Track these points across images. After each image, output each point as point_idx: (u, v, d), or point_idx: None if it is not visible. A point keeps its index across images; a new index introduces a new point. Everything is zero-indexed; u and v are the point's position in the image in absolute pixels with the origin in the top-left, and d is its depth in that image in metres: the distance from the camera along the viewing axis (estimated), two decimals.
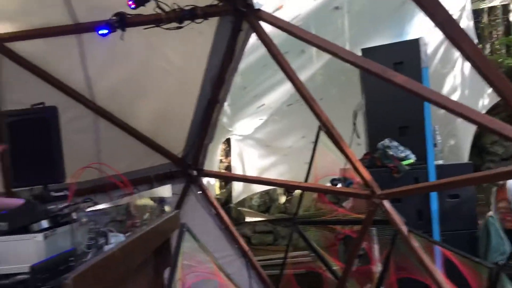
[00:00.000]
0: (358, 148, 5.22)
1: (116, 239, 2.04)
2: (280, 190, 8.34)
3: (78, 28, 3.63)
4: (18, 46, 3.89)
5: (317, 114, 3.59)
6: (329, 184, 4.76)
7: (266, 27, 3.58)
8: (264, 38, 3.45)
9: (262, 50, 4.37)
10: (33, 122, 3.27)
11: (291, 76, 3.53)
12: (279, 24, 3.34)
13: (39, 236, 1.68)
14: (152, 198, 2.93)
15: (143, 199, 2.74)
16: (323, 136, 4.24)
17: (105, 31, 3.38)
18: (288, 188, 7.45)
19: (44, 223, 1.79)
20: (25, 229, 1.77)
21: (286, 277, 4.87)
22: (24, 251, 1.68)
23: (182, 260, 3.89)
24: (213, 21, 3.56)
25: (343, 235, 4.61)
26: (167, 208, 3.02)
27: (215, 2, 3.40)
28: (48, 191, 1.86)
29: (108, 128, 4.48)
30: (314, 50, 5.18)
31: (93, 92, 4.25)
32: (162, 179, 4.73)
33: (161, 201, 2.80)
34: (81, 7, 3.56)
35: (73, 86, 4.17)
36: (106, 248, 1.84)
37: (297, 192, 8.13)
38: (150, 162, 4.78)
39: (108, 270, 1.69)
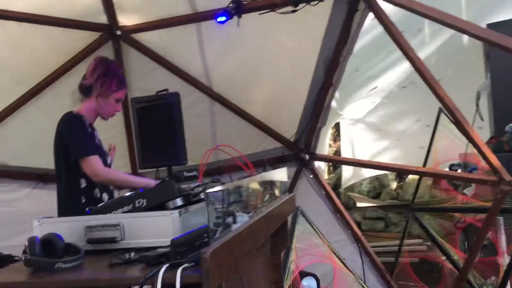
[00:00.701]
0: (480, 132, 4.86)
1: (241, 219, 2.11)
2: (391, 176, 8.06)
3: (198, 17, 3.79)
4: (143, 37, 4.16)
5: (439, 96, 3.39)
6: (447, 170, 4.50)
7: (383, 6, 3.44)
8: (382, 17, 3.32)
9: (376, 31, 4.24)
10: (158, 107, 3.51)
11: (410, 56, 3.36)
12: (399, 1, 3.19)
13: (175, 213, 1.80)
14: (267, 182, 2.99)
15: (261, 181, 2.79)
16: (443, 119, 4.01)
17: (223, 18, 3.48)
18: (406, 173, 7.14)
19: (179, 201, 1.91)
20: (161, 207, 1.91)
21: (401, 265, 4.71)
22: (161, 226, 1.81)
23: (295, 243, 3.94)
24: (329, 2, 3.51)
25: (465, 223, 4.33)
26: (277, 192, 3.06)
27: None
28: (181, 171, 1.97)
29: (223, 112, 4.65)
30: (430, 29, 4.91)
31: (210, 78, 4.43)
32: (274, 162, 4.81)
33: (280, 184, 2.85)
34: None
35: (191, 73, 4.38)
36: (234, 227, 1.91)
37: (410, 177, 7.81)
38: (263, 146, 4.88)
39: (237, 247, 1.75)
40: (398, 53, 4.42)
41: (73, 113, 2.64)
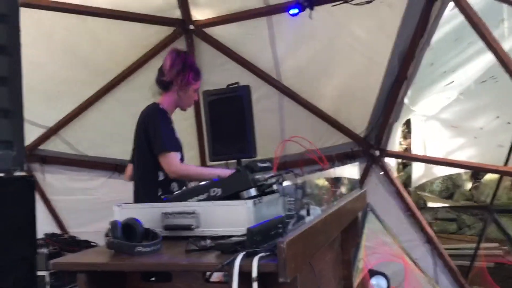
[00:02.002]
0: None
1: (314, 212, 2.08)
2: (465, 176, 7.70)
3: (269, 10, 3.78)
4: (215, 31, 4.21)
5: None
6: None
7: None
8: (464, 7, 3.14)
9: (454, 22, 4.03)
10: (229, 100, 3.53)
11: (494, 48, 3.16)
12: None
13: (250, 203, 1.80)
14: (339, 176, 2.93)
15: (334, 176, 2.75)
16: None
17: (296, 11, 3.46)
18: (485, 172, 6.75)
19: (253, 191, 1.91)
20: (235, 196, 1.92)
21: (476, 268, 4.48)
22: (236, 215, 1.82)
23: (365, 241, 3.85)
24: None
25: None
26: (349, 187, 3.00)
27: None
28: (255, 161, 1.97)
29: (292, 106, 4.62)
30: (511, 21, 4.61)
31: (279, 72, 4.41)
32: (343, 158, 4.72)
33: (352, 179, 2.78)
34: None
35: (261, 67, 4.39)
36: (307, 219, 1.88)
37: (486, 178, 7.41)
38: (332, 140, 4.80)
39: (311, 239, 1.73)
40: (478, 46, 4.21)
41: (158, 105, 2.69)
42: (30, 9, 3.54)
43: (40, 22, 3.71)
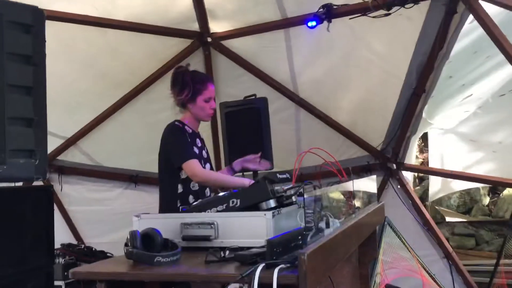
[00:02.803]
0: None
1: (333, 224, 2.06)
2: (483, 190, 7.57)
3: (287, 23, 3.79)
4: (232, 43, 4.24)
5: None
6: None
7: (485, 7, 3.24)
8: (484, 19, 3.12)
9: (474, 35, 4.00)
10: (246, 112, 3.54)
11: None
12: (505, 1, 2.98)
13: (269, 214, 1.79)
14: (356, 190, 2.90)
15: (351, 189, 2.72)
16: None
17: (314, 23, 3.46)
18: (505, 186, 6.65)
19: (272, 202, 1.90)
20: (254, 207, 1.91)
21: (496, 285, 4.39)
22: (255, 227, 1.81)
23: (382, 255, 3.80)
24: (424, 5, 3.37)
25: None
26: (367, 200, 2.96)
27: None
28: (274, 172, 1.97)
29: (308, 118, 4.62)
30: None
31: (296, 84, 4.42)
32: (359, 171, 4.68)
33: (370, 192, 2.75)
34: (290, 1, 3.72)
35: (278, 79, 4.40)
36: (326, 231, 1.86)
37: (505, 193, 7.29)
38: (348, 154, 4.77)
39: (331, 252, 1.71)
40: (497, 59, 4.17)
41: (175, 123, 2.81)
42: (51, 21, 3.60)
43: (60, 34, 3.77)
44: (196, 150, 2.79)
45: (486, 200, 7.60)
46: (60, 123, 4.53)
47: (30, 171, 1.59)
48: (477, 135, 5.83)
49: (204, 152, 2.90)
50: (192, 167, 2.64)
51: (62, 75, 4.07)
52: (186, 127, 2.81)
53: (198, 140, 2.88)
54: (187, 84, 2.77)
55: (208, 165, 2.91)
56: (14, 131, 1.58)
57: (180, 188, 2.72)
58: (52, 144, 4.78)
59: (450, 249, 4.48)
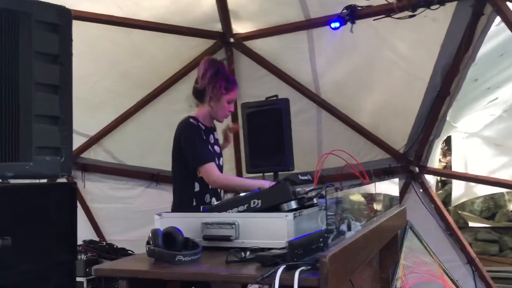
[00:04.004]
0: None
1: (354, 227, 2.04)
2: (508, 196, 7.42)
3: (310, 24, 3.78)
4: (255, 44, 4.25)
5: None
6: None
7: None
8: (511, 22, 3.06)
9: (500, 37, 3.93)
10: (267, 112, 3.54)
11: None
12: None
13: (290, 216, 1.78)
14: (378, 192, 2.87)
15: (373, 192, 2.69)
16: None
17: (337, 24, 3.44)
18: None
19: (293, 204, 1.89)
20: (275, 208, 1.91)
21: None
22: (276, 228, 1.80)
23: (403, 259, 3.74)
24: (450, 6, 3.31)
25: None
26: (388, 204, 2.93)
27: None
28: (296, 174, 1.96)
29: (330, 120, 4.59)
30: None
31: (318, 85, 4.39)
32: (381, 174, 4.63)
33: (392, 195, 2.72)
34: (313, 2, 3.70)
35: (300, 80, 4.38)
36: (348, 234, 1.84)
37: None
38: (369, 156, 4.72)
39: (353, 255, 1.69)
40: None
41: (189, 119, 2.71)
42: (76, 20, 3.66)
43: (85, 34, 3.82)
44: (210, 147, 2.73)
45: (511, 206, 7.45)
46: (83, 122, 4.59)
47: (55, 168, 1.61)
48: (502, 139, 5.72)
49: (216, 147, 2.82)
50: (209, 172, 2.57)
51: (87, 74, 4.13)
52: (200, 123, 2.73)
53: (211, 136, 2.81)
54: (220, 77, 2.68)
55: (222, 159, 2.85)
56: (40, 129, 1.60)
57: (197, 187, 2.65)
58: (76, 142, 4.84)
59: (474, 255, 4.40)
